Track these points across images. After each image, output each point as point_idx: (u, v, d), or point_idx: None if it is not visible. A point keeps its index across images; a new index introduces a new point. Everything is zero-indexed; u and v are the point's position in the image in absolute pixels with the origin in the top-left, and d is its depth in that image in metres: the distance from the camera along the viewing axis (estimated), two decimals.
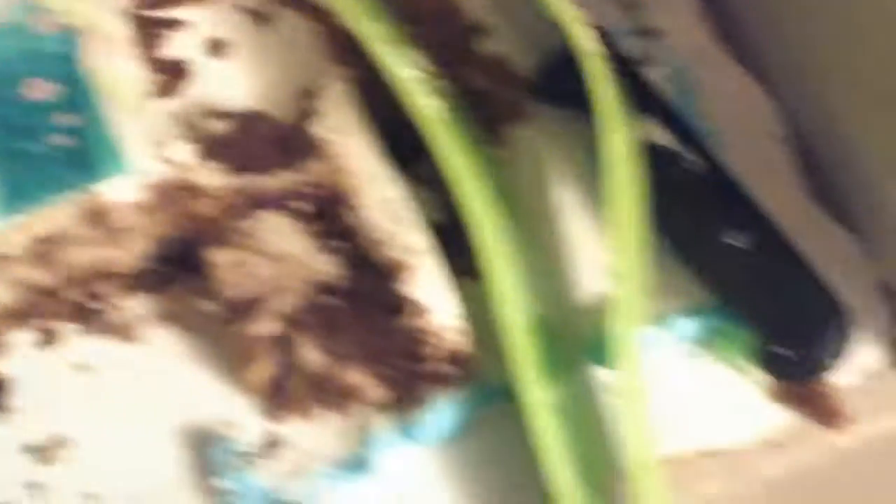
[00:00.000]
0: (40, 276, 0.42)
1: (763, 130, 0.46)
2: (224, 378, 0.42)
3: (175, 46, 0.46)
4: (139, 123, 0.41)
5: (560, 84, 0.46)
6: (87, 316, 0.43)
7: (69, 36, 0.41)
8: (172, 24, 0.46)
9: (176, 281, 0.44)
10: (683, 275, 0.43)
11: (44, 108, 0.40)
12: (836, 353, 0.39)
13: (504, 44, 0.48)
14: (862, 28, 0.40)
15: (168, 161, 0.41)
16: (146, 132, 0.41)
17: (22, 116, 0.40)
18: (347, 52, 0.47)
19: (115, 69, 0.42)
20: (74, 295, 0.43)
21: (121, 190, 0.40)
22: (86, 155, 0.39)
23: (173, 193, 0.41)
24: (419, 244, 0.41)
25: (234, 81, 0.46)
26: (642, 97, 0.44)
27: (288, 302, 0.41)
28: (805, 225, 0.43)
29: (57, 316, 0.43)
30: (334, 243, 0.42)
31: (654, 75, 0.47)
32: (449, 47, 0.47)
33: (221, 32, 0.47)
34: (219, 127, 0.43)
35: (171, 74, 0.45)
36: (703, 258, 0.42)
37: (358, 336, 0.40)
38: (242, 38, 0.47)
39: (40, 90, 0.40)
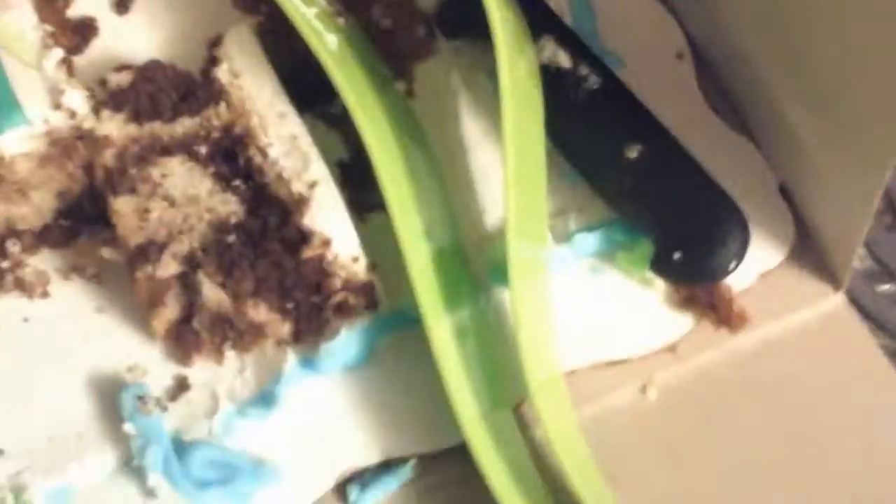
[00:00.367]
0: None
1: (664, 47, 0.46)
2: (131, 326, 0.42)
3: (82, 4, 0.46)
4: (35, 76, 0.41)
5: (462, 15, 0.46)
6: None
7: None
8: None
9: (81, 234, 0.43)
10: (583, 191, 0.42)
11: None
12: (737, 256, 0.39)
13: None
14: None
15: (67, 111, 0.41)
16: (42, 84, 0.41)
17: None
18: None
19: (11, 23, 0.42)
20: None
21: (18, 143, 0.40)
22: None
23: (73, 144, 0.41)
24: (318, 177, 0.40)
25: (138, 35, 0.46)
26: (542, 21, 0.44)
27: (190, 244, 0.40)
28: (706, 136, 0.43)
29: None
30: (236, 183, 0.42)
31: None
32: None
33: None
34: (122, 79, 0.43)
35: (79, 32, 0.45)
36: (602, 174, 0.42)
37: (261, 273, 0.40)
38: None
39: None
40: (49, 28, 0.43)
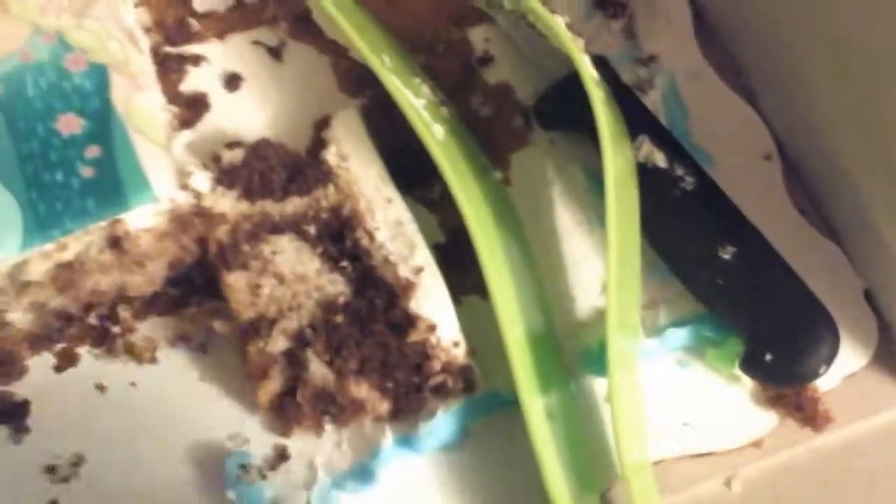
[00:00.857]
0: (60, 301, 0.43)
1: (753, 148, 0.48)
2: (234, 395, 0.44)
3: (194, 80, 0.48)
4: (163, 155, 0.43)
5: (560, 109, 0.48)
6: (104, 339, 0.45)
7: (99, 73, 0.43)
8: (192, 59, 0.49)
9: (189, 303, 0.45)
10: (675, 287, 0.44)
11: (74, 142, 0.42)
12: (827, 361, 0.40)
13: (507, 72, 0.50)
14: (849, 57, 0.41)
15: (192, 192, 0.43)
16: (169, 163, 0.43)
17: (54, 150, 0.41)
18: (357, 81, 0.49)
19: (141, 104, 0.44)
20: (92, 318, 0.44)
21: (143, 218, 0.42)
22: (112, 186, 0.41)
23: (190, 220, 0.43)
24: (424, 263, 0.42)
25: (249, 112, 0.48)
26: (639, 119, 0.46)
27: (297, 320, 0.42)
28: (793, 237, 0.45)
29: (74, 339, 0.45)
30: (343, 264, 0.43)
31: (651, 99, 0.48)
32: (457, 75, 0.49)
33: (237, 66, 0.49)
34: (234, 156, 0.45)
35: (192, 107, 0.48)
36: (693, 271, 0.43)
37: (366, 352, 0.42)
38: (257, 72, 0.49)
39: (71, 125, 0.42)
40: (175, 109, 0.45)
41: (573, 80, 0.45)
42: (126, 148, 0.42)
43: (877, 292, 0.44)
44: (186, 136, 0.44)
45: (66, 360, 0.45)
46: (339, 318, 0.42)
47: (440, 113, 0.46)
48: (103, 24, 0.44)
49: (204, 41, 0.50)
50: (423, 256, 0.43)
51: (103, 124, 0.42)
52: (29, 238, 0.40)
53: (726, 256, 0.42)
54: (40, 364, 0.44)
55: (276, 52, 0.50)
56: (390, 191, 0.44)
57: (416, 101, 0.44)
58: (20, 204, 0.40)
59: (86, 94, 0.43)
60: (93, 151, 0.42)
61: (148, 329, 0.45)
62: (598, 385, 0.42)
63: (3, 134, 0.41)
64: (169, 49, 0.49)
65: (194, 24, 0.50)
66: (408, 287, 0.42)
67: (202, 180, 0.43)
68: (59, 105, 0.42)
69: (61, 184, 0.41)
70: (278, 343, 0.42)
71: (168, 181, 0.42)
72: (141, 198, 0.41)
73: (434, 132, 0.44)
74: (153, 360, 0.44)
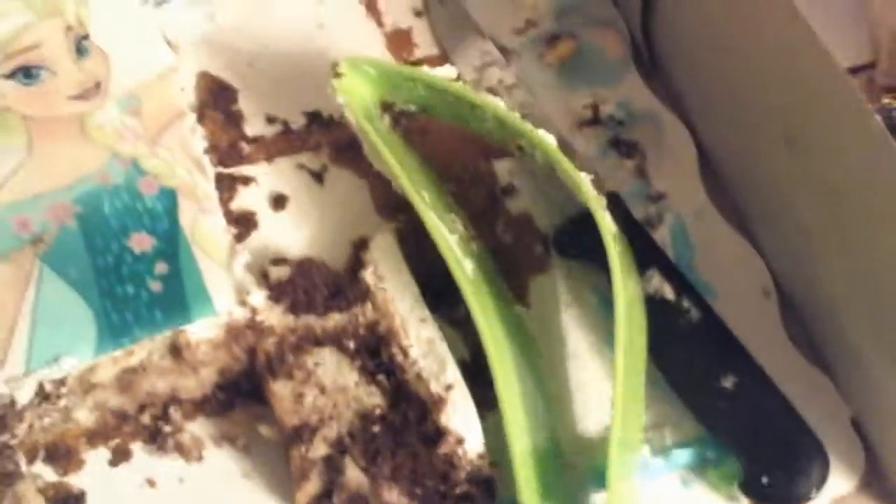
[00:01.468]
0: (120, 402, 0.47)
1: (752, 283, 0.52)
2: (275, 494, 0.47)
3: (244, 199, 0.53)
4: (224, 273, 0.47)
5: (576, 241, 0.52)
6: (156, 436, 0.48)
7: (169, 196, 0.48)
8: (243, 180, 0.53)
9: (235, 406, 0.49)
10: (680, 410, 0.48)
11: (145, 259, 0.46)
12: (818, 485, 0.45)
13: (528, 203, 0.55)
14: (840, 205, 0.46)
15: (249, 308, 0.47)
16: (229, 281, 0.47)
17: (126, 265, 0.46)
18: (392, 205, 0.54)
19: (206, 226, 0.48)
20: (146, 418, 0.48)
21: (203, 330, 0.46)
22: (178, 300, 0.45)
23: (243, 332, 0.47)
24: (453, 380, 0.47)
25: (292, 231, 0.53)
26: (649, 253, 0.51)
27: (337, 428, 0.46)
28: (787, 368, 0.49)
29: (129, 436, 0.48)
30: (379, 377, 0.47)
31: (660, 234, 0.53)
32: (482, 204, 0.54)
33: (283, 188, 0.54)
34: (281, 273, 0.49)
35: (241, 224, 0.52)
36: (697, 396, 0.48)
37: (397, 460, 0.46)
38: (300, 193, 0.54)
39: (143, 243, 0.46)
40: (234, 230, 0.50)
41: (590, 215, 0.49)
42: (191, 266, 0.46)
43: (862, 420, 0.49)
44: (246, 256, 0.48)
45: (120, 455, 0.48)
46: (376, 428, 0.46)
47: (470, 248, 0.50)
48: (174, 152, 0.48)
49: (254, 163, 0.54)
50: (453, 374, 0.47)
51: (171, 243, 0.47)
52: (101, 345, 0.44)
53: (727, 385, 0.47)
54: (96, 458, 0.48)
55: (318, 176, 0.55)
56: (423, 311, 0.48)
57: (449, 237, 0.48)
58: (95, 313, 0.45)
59: (156, 216, 0.47)
60: (161, 268, 0.46)
61: (196, 429, 0.49)
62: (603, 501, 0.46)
63: (82, 249, 0.46)
64: (222, 169, 0.54)
65: (245, 147, 0.55)
66: (439, 402, 0.46)
67: (259, 298, 0.47)
68: (132, 224, 0.47)
69: (132, 296, 0.45)
70: (319, 449, 0.46)
71: (227, 297, 0.46)
72: (203, 312, 0.46)
73: (464, 267, 0.48)
74: (200, 459, 0.48)
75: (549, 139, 0.49)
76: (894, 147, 0.40)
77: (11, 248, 0.45)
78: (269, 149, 0.55)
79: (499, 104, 0.50)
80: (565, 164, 0.48)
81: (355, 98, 0.51)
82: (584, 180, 0.48)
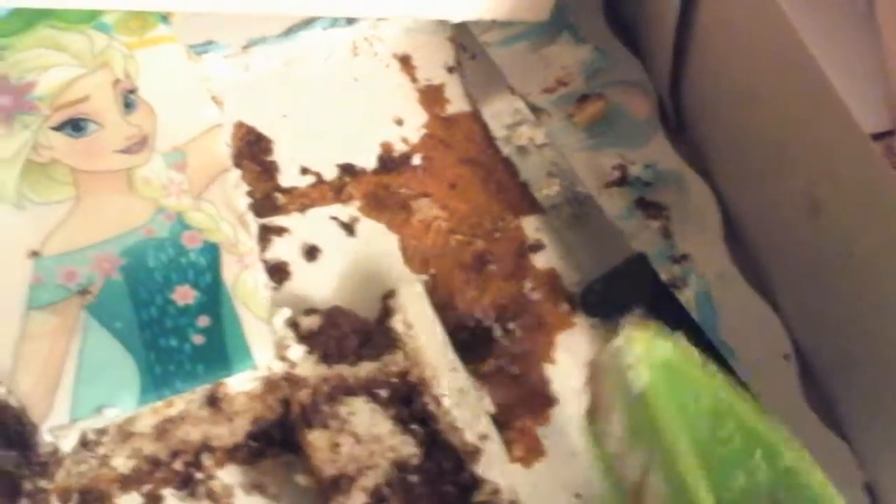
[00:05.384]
0: (156, 449, 0.48)
1: (773, 347, 0.54)
2: None
3: (278, 250, 0.54)
4: (264, 327, 0.48)
5: (600, 299, 0.54)
6: (187, 483, 0.49)
7: (212, 251, 0.49)
8: (277, 230, 0.54)
9: (266, 455, 0.50)
10: None
11: (188, 311, 0.47)
12: None
13: (555, 260, 0.56)
14: (859, 264, 0.47)
15: (288, 362, 0.48)
16: (269, 335, 0.48)
17: (170, 317, 0.47)
18: (421, 259, 0.55)
19: (247, 281, 0.49)
20: (178, 464, 0.49)
21: (242, 382, 0.47)
22: (219, 353, 0.46)
23: (279, 383, 0.48)
24: (487, 431, 0.48)
25: (324, 281, 0.54)
26: (675, 315, 0.52)
27: (374, 478, 0.47)
28: (805, 432, 0.50)
29: (161, 482, 0.49)
30: (413, 426, 0.48)
31: (685, 295, 0.54)
32: (511, 260, 0.56)
33: (315, 239, 0.55)
34: (312, 322, 0.50)
35: (274, 274, 0.53)
36: None
37: None
38: (332, 244, 0.55)
39: (186, 296, 0.47)
40: (274, 285, 0.51)
41: (614, 275, 0.51)
42: (232, 319, 0.47)
43: (875, 486, 0.50)
44: (286, 312, 0.49)
45: (152, 501, 0.49)
46: (413, 478, 0.47)
47: None
48: (217, 207, 0.49)
49: (287, 213, 0.56)
50: (486, 424, 0.48)
51: (214, 297, 0.47)
52: (144, 396, 0.45)
53: None
54: (128, 503, 0.48)
55: (349, 228, 0.56)
56: (454, 361, 0.50)
57: None
58: (138, 365, 0.45)
59: (200, 269, 0.48)
60: (203, 321, 0.47)
61: (227, 476, 0.49)
62: None
63: (127, 300, 0.47)
64: (256, 219, 0.55)
65: (280, 197, 0.56)
66: (474, 452, 0.47)
67: (298, 352, 0.48)
68: (176, 277, 0.48)
69: (175, 348, 0.46)
70: (358, 499, 0.46)
71: (267, 351, 0.47)
72: (243, 365, 0.47)
73: None
74: None
75: None
76: None
77: (58, 298, 0.46)
78: (303, 200, 0.56)
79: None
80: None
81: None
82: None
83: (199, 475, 0.49)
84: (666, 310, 0.52)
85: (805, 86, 0.46)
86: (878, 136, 0.56)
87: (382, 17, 0.59)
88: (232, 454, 0.50)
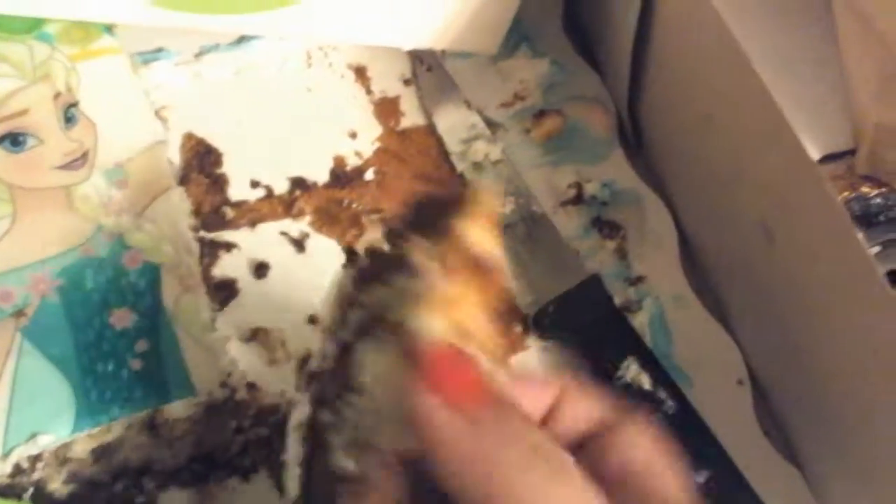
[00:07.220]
0: (94, 473, 0.47)
1: (727, 373, 0.53)
2: None
3: (226, 266, 0.53)
4: (205, 353, 0.47)
5: (557, 321, 0.53)
6: None
7: (152, 270, 0.48)
8: (225, 245, 0.53)
9: (210, 479, 0.49)
10: None
11: (126, 335, 0.46)
12: None
13: (510, 280, 0.55)
14: (815, 293, 0.47)
15: (230, 388, 0.47)
16: (210, 360, 0.47)
17: (107, 341, 0.46)
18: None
19: (188, 304, 0.48)
20: (118, 487, 0.48)
21: (182, 409, 0.46)
22: (157, 379, 0.45)
23: (221, 409, 0.47)
24: None
25: (272, 300, 0.52)
26: (627, 341, 0.51)
27: None
28: (758, 460, 0.50)
29: None
30: None
31: (639, 319, 0.54)
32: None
33: (264, 255, 0.53)
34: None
35: (223, 291, 0.52)
36: None
37: None
38: (281, 260, 0.53)
39: (124, 319, 0.46)
40: (216, 307, 0.50)
41: (568, 297, 0.50)
42: (172, 344, 0.46)
43: None
44: (228, 334, 0.48)
45: None
46: None
47: None
48: (159, 227, 0.48)
49: (237, 228, 0.54)
50: None
51: (153, 321, 0.46)
52: (79, 423, 0.44)
53: (700, 480, 0.47)
54: None
55: (299, 244, 0.55)
56: None
57: None
58: (74, 390, 0.44)
59: (139, 292, 0.47)
60: (142, 345, 0.46)
61: (169, 500, 0.48)
62: None
63: (63, 323, 0.45)
64: (204, 234, 0.54)
65: (229, 211, 0.55)
66: None
67: (241, 378, 0.47)
68: (114, 300, 0.46)
69: (112, 374, 0.45)
70: None
71: (208, 377, 0.46)
72: (182, 393, 0.46)
73: None
74: None
75: None
76: (858, 241, 0.40)
77: None
78: (253, 214, 0.55)
79: None
80: None
81: None
82: None
83: (140, 499, 0.48)
84: (620, 333, 0.51)
85: (756, 113, 0.45)
86: (836, 156, 0.56)
87: (333, 44, 0.58)
88: (174, 478, 0.49)
